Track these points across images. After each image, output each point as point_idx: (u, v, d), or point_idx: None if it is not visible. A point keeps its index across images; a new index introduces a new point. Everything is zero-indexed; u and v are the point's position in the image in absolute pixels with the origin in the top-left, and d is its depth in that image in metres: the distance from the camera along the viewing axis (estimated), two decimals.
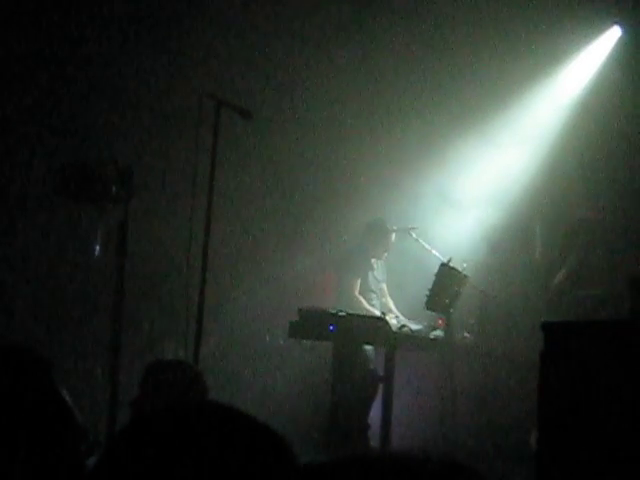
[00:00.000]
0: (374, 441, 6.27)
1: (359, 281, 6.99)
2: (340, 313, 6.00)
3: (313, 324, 6.03)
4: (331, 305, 6.49)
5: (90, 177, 4.35)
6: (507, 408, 6.72)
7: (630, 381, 3.23)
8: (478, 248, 7.33)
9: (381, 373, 6.15)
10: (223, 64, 7.48)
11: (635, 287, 4.81)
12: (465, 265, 6.43)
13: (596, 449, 3.24)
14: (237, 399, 6.13)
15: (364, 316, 6.24)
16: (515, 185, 7.55)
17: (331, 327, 5.92)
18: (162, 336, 7.08)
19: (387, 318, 6.20)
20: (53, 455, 2.11)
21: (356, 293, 6.94)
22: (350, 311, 6.14)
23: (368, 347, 6.52)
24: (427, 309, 6.35)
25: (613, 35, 7.82)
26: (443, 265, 6.33)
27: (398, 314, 6.94)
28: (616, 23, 7.76)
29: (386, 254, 7.19)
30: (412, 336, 6.27)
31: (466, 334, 6.75)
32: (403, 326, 6.30)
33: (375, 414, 6.36)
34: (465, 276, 6.38)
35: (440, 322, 6.42)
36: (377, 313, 6.56)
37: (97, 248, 4.54)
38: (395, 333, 6.07)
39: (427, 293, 6.25)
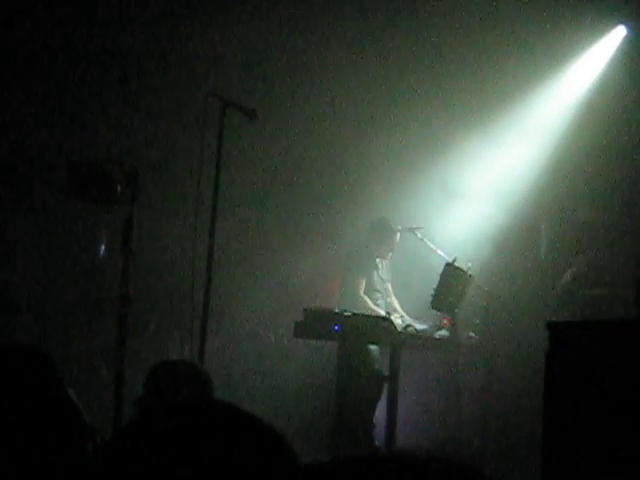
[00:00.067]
0: (379, 441, 6.28)
1: (364, 281, 6.98)
2: (345, 313, 5.99)
3: (318, 324, 6.03)
4: (336, 305, 6.49)
5: (95, 177, 4.36)
6: (512, 408, 6.70)
7: (636, 381, 3.22)
8: (483, 248, 7.32)
9: (386, 373, 6.15)
10: (228, 64, 7.49)
11: None
12: (470, 265, 6.42)
13: (602, 448, 3.23)
14: (242, 399, 6.13)
15: (369, 316, 6.23)
16: (520, 185, 7.53)
17: (336, 327, 5.91)
18: (167, 336, 7.09)
19: (392, 318, 6.20)
20: (58, 454, 2.11)
21: (361, 293, 6.93)
22: (355, 311, 6.14)
23: (373, 347, 6.51)
24: (432, 309, 6.36)
25: (618, 35, 7.79)
26: (448, 265, 6.33)
27: (403, 314, 6.94)
28: (621, 23, 7.74)
29: (391, 254, 7.18)
30: (417, 336, 6.27)
31: (471, 334, 6.74)
32: (408, 326, 6.30)
33: (380, 414, 6.36)
34: (470, 276, 6.37)
35: (445, 322, 6.42)
36: (382, 313, 6.55)
37: (102, 248, 4.55)
38: (400, 333, 6.07)
39: (432, 293, 6.26)
